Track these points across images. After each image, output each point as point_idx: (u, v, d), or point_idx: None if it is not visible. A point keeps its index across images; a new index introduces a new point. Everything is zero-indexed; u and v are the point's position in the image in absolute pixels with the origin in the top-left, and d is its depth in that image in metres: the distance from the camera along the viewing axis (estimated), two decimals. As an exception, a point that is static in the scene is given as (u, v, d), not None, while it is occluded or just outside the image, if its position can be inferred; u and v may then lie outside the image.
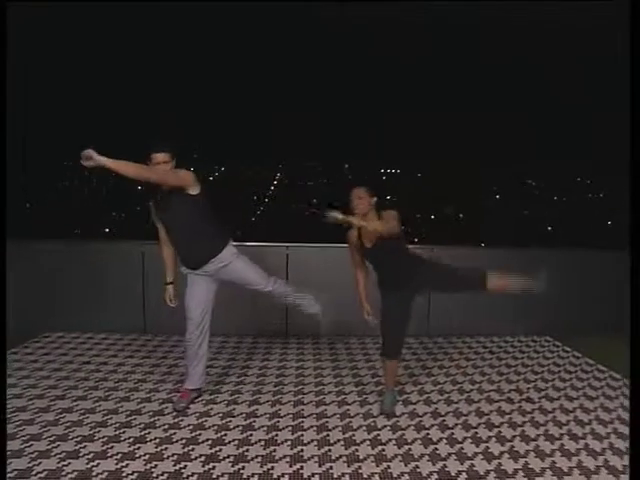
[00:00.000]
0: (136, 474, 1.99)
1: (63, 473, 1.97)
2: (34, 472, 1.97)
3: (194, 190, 2.47)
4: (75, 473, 1.97)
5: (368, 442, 2.32)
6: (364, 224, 2.38)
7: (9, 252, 1.99)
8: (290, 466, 2.08)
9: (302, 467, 2.07)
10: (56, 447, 2.17)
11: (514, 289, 2.65)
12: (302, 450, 2.22)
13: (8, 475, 1.94)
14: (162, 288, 2.73)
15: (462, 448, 2.28)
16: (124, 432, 2.34)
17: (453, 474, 2.05)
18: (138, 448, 2.20)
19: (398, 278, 2.58)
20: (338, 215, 2.26)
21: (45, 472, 1.97)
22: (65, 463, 2.05)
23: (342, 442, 2.31)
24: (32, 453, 2.11)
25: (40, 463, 2.04)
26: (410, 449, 2.26)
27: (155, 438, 2.29)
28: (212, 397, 2.81)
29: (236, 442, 2.28)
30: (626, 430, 2.49)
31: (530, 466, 2.13)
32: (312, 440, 2.32)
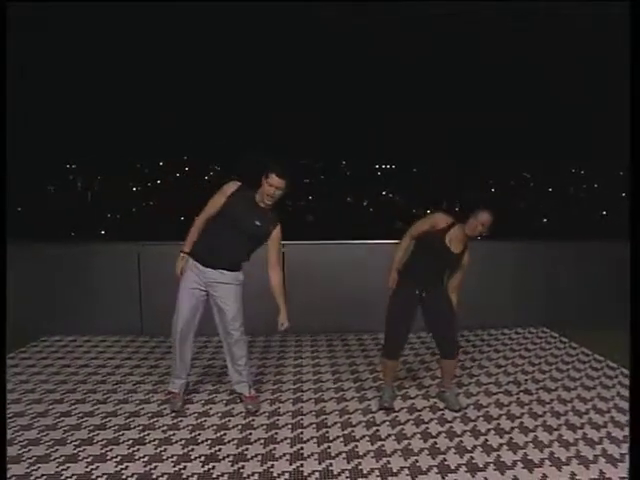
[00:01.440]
0: (136, 476, 1.98)
1: (62, 477, 1.96)
2: (33, 477, 1.96)
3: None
4: (74, 477, 1.97)
5: (367, 438, 2.32)
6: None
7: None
8: (290, 464, 2.08)
9: (302, 465, 2.07)
10: (55, 451, 2.17)
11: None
12: (302, 448, 2.22)
13: (7, 481, 1.93)
14: (177, 256, 2.59)
15: (461, 441, 2.29)
16: (123, 434, 2.34)
17: (453, 467, 2.06)
18: (137, 450, 2.19)
19: (426, 280, 2.56)
20: None
21: (44, 477, 1.97)
22: (64, 467, 2.04)
23: (341, 438, 2.31)
24: (30, 458, 2.11)
25: (39, 468, 2.03)
26: (409, 444, 2.27)
27: (154, 439, 2.29)
28: (211, 397, 2.80)
29: (235, 441, 2.28)
30: (623, 419, 2.51)
31: (529, 457, 2.14)
32: (311, 437, 2.32)
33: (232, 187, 2.50)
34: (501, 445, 2.25)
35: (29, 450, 2.17)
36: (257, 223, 2.46)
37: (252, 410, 2.59)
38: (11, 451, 2.15)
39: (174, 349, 2.62)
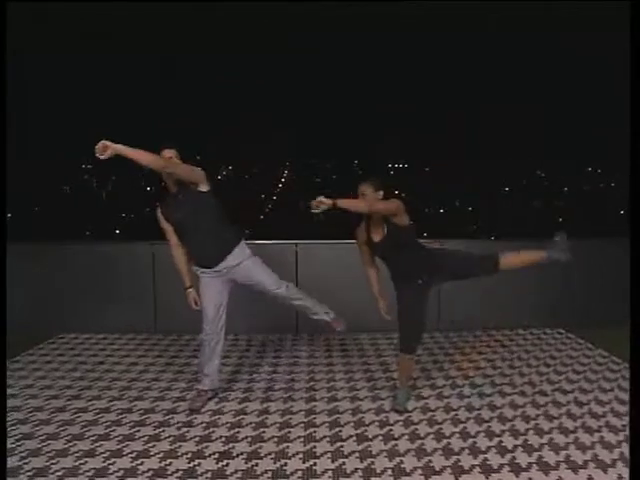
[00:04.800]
0: (151, 471, 2.01)
1: (80, 471, 2.01)
2: (52, 470, 2.01)
3: (204, 187, 2.51)
4: (92, 471, 2.01)
5: (381, 437, 2.32)
6: (357, 203, 2.34)
7: (23, 255, 2.04)
8: (303, 462, 2.09)
9: (315, 463, 2.08)
10: (73, 446, 2.21)
11: (531, 262, 2.53)
12: (315, 446, 2.23)
13: (27, 474, 1.98)
14: (184, 294, 2.68)
15: (475, 442, 2.27)
16: (138, 430, 2.37)
17: (466, 468, 2.04)
18: (153, 446, 2.22)
19: (410, 271, 2.54)
20: (324, 199, 2.15)
21: (62, 470, 2.01)
22: (82, 462, 2.08)
23: (354, 438, 2.31)
24: (50, 452, 2.15)
25: (58, 462, 2.07)
26: (423, 444, 2.26)
27: (169, 436, 2.32)
28: (224, 395, 2.83)
29: (249, 439, 2.30)
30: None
31: (544, 459, 2.11)
32: (325, 436, 2.33)
33: (159, 211, 2.61)
34: (516, 447, 2.22)
35: (48, 444, 2.22)
36: (189, 200, 2.47)
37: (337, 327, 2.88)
38: (31, 445, 2.21)
39: (204, 353, 2.66)
